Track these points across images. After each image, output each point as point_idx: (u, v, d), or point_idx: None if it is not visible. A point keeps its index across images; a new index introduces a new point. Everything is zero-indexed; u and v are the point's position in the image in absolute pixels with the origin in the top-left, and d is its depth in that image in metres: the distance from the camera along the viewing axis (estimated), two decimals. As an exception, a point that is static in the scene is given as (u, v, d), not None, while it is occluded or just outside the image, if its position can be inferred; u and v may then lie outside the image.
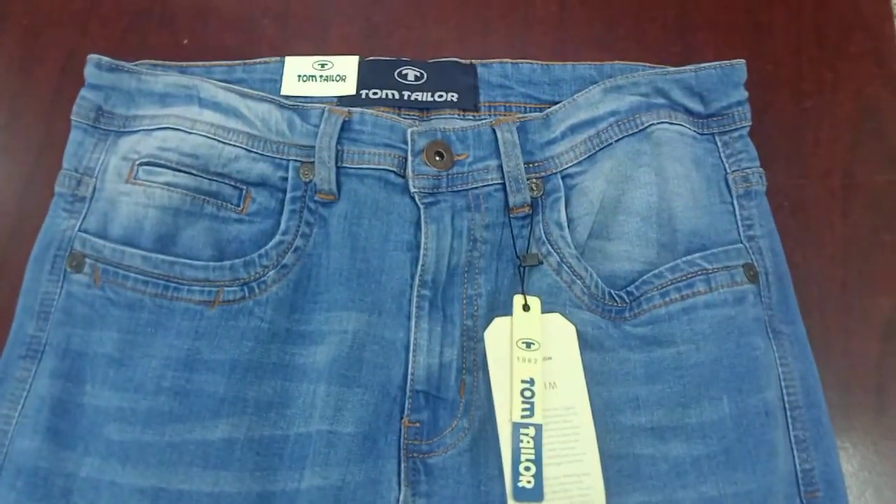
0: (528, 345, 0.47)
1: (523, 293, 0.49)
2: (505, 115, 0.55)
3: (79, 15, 0.60)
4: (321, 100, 0.55)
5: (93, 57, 0.53)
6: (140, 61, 0.54)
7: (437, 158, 0.51)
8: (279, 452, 0.46)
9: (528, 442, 0.45)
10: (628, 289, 0.49)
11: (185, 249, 0.49)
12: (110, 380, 0.47)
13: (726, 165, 0.53)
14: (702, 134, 0.54)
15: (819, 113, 0.58)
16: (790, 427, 0.48)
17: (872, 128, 0.57)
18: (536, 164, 0.52)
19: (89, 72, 0.53)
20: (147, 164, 0.51)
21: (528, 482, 0.44)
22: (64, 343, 0.48)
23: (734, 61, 0.53)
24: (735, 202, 0.52)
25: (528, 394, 0.46)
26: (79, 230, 0.50)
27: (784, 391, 0.48)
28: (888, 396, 0.51)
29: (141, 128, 0.52)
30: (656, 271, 0.49)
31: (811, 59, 0.59)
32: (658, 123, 0.53)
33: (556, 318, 0.48)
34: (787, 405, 0.48)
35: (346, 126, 0.51)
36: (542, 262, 0.50)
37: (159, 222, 0.49)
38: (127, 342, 0.47)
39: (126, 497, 0.45)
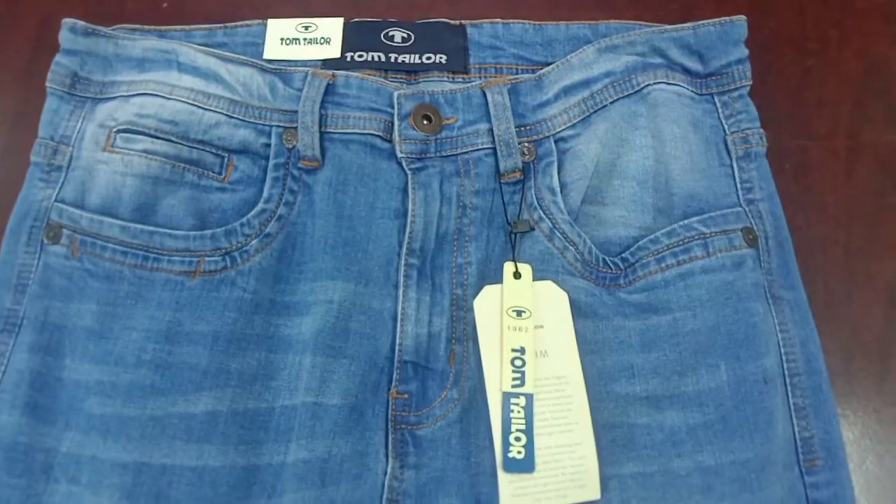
0: (519, 313, 0.46)
1: (514, 260, 0.47)
2: (495, 76, 0.53)
3: (54, -21, 0.58)
4: (305, 63, 0.53)
5: (67, 21, 0.51)
6: (117, 26, 0.53)
7: (425, 122, 0.49)
8: (264, 425, 0.45)
9: (519, 412, 0.44)
10: (623, 255, 0.48)
11: (166, 219, 0.48)
12: (90, 353, 0.45)
13: (725, 126, 0.51)
14: (700, 94, 0.52)
15: (823, 72, 0.56)
16: (789, 394, 0.46)
17: (878, 87, 0.55)
18: (528, 128, 0.50)
19: (64, 36, 0.51)
20: (125, 131, 0.49)
21: (519, 452, 0.43)
22: (42, 316, 0.47)
23: (734, 17, 0.51)
24: (734, 164, 0.50)
25: (518, 363, 0.45)
26: (55, 200, 0.49)
27: (784, 358, 0.47)
28: (891, 363, 0.50)
29: (118, 94, 0.50)
30: (652, 236, 0.48)
31: (816, 16, 0.57)
32: (655, 84, 0.51)
33: (548, 286, 0.47)
34: (786, 372, 0.47)
35: (330, 90, 0.50)
36: (533, 229, 0.48)
37: (138, 191, 0.48)
38: (106, 314, 0.46)
39: (107, 471, 0.43)
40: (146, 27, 0.53)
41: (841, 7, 0.57)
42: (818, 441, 0.46)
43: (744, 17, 0.51)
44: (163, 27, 0.53)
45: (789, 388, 0.46)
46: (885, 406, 0.49)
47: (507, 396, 0.44)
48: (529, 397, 0.44)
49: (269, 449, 0.45)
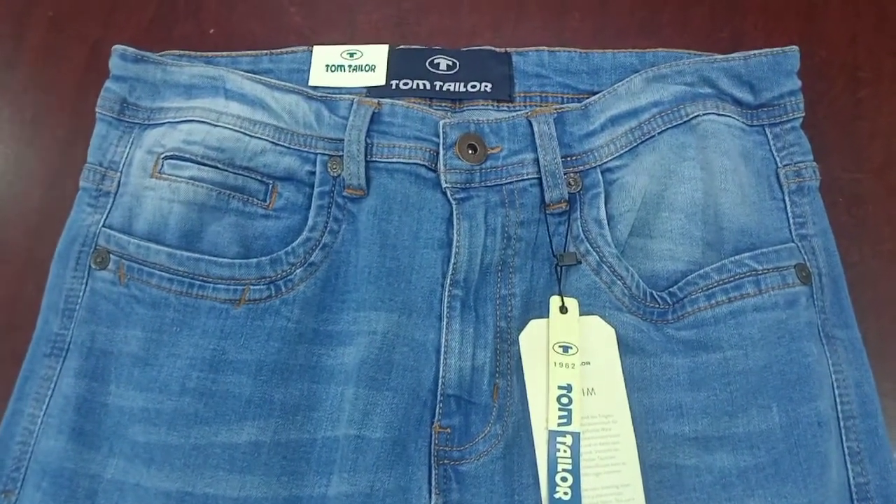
0: (566, 349, 0.45)
1: (560, 294, 0.47)
2: (541, 105, 0.52)
3: (103, 6, 0.59)
4: (350, 90, 0.53)
5: (118, 48, 0.52)
6: (165, 52, 0.53)
7: (470, 152, 0.49)
8: (306, 456, 0.45)
9: (566, 451, 0.43)
10: (671, 290, 0.47)
11: (211, 246, 0.48)
12: (135, 380, 0.46)
13: (777, 159, 0.50)
14: (751, 126, 0.51)
15: (876, 102, 0.54)
16: (844, 438, 0.45)
17: (934, 118, 0.53)
18: (574, 158, 0.49)
19: (114, 63, 0.52)
20: (172, 157, 0.49)
21: (566, 493, 0.42)
22: (88, 341, 0.47)
23: (786, 48, 0.50)
24: (786, 198, 0.49)
25: (565, 400, 0.44)
26: (103, 226, 0.49)
27: (838, 400, 0.45)
28: (951, 406, 0.48)
29: (166, 120, 0.51)
30: (701, 272, 0.47)
31: (868, 45, 0.55)
32: (704, 114, 0.50)
33: (594, 321, 0.46)
34: (840, 415, 0.45)
35: (375, 118, 0.50)
36: (580, 262, 0.47)
37: (184, 218, 0.48)
38: (152, 341, 0.46)
39: (151, 500, 0.44)
40: (193, 53, 0.53)
41: (895, 35, 0.55)
42: (874, 487, 0.44)
43: (796, 48, 0.50)
44: (210, 53, 0.53)
45: (843, 431, 0.45)
46: (943, 451, 0.47)
47: (553, 435, 0.43)
48: (576, 436, 0.43)
49: (310, 481, 0.45)
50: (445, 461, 0.45)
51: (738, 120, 0.50)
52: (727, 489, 0.43)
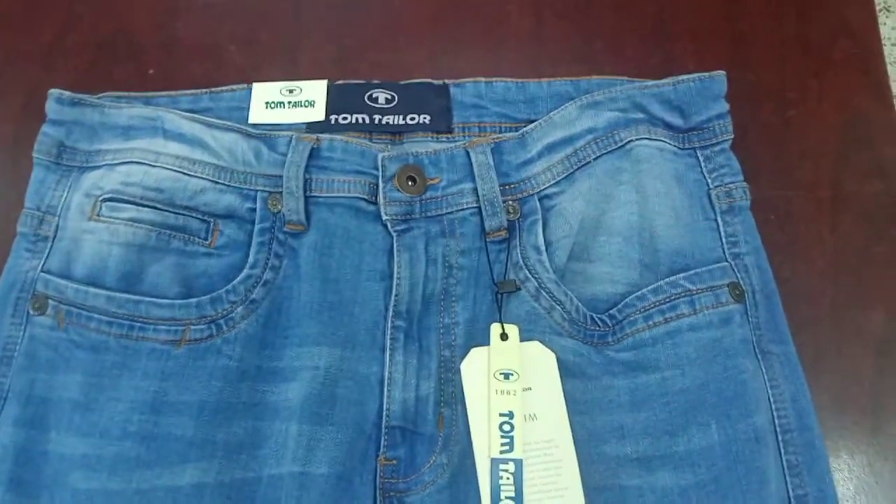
0: (507, 375, 0.45)
1: (500, 321, 0.47)
2: (479, 136, 0.53)
3: (42, 50, 0.59)
4: (290, 127, 0.53)
5: (53, 92, 0.52)
6: (104, 94, 0.53)
7: (410, 184, 0.50)
8: (251, 495, 0.45)
9: (508, 478, 0.43)
10: (611, 312, 0.47)
11: (152, 287, 0.48)
12: (75, 425, 0.45)
13: (709, 181, 0.51)
14: (682, 149, 0.52)
15: (804, 123, 0.56)
16: (782, 452, 0.46)
17: (859, 137, 0.55)
18: (512, 186, 0.50)
19: (50, 107, 0.52)
20: (110, 199, 0.49)
21: (509, 521, 0.42)
22: (27, 389, 0.46)
23: (714, 73, 0.52)
24: (719, 219, 0.50)
25: (507, 427, 0.44)
26: (41, 271, 0.49)
27: (775, 414, 0.46)
28: (884, 416, 0.49)
29: (104, 162, 0.51)
30: (639, 293, 0.48)
31: (795, 68, 0.58)
32: (637, 140, 0.51)
33: (535, 347, 0.46)
34: (778, 429, 0.46)
35: (314, 153, 0.50)
36: (519, 289, 0.48)
37: (124, 260, 0.48)
38: (92, 385, 0.46)
39: (92, 548, 0.43)
40: (133, 94, 0.54)
41: (820, 58, 0.57)
42: (812, 499, 0.45)
43: (723, 73, 0.52)
44: (149, 93, 0.54)
45: (782, 445, 0.46)
46: (879, 460, 0.48)
47: (495, 463, 0.43)
48: (519, 463, 0.43)
49: (256, 521, 0.44)
50: (391, 493, 0.45)
51: (670, 144, 0.52)
52: (669, 508, 0.44)
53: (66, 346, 0.47)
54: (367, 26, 0.60)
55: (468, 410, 0.45)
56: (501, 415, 0.44)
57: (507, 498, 0.43)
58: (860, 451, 0.49)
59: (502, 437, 0.44)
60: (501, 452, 0.44)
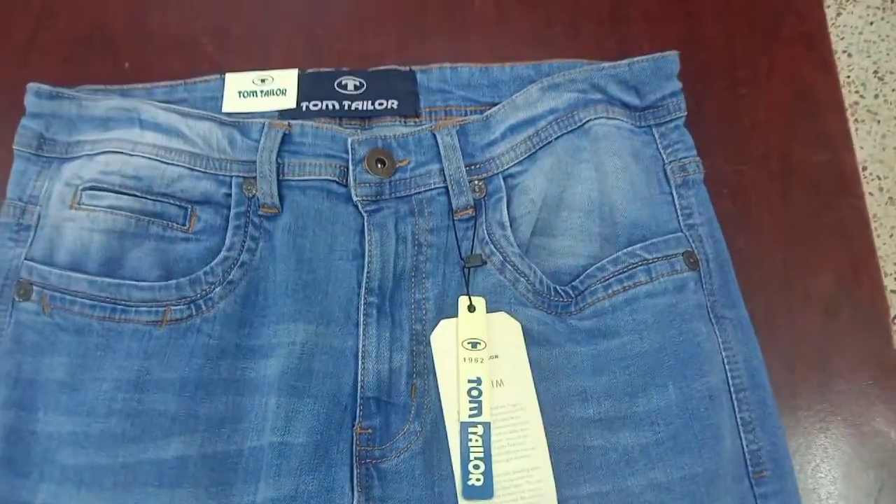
0: (474, 345, 0.48)
1: (468, 294, 0.50)
2: (445, 119, 0.55)
3: (19, 46, 0.60)
4: (262, 115, 0.55)
5: (32, 85, 0.53)
6: (81, 87, 0.55)
7: (379, 166, 0.52)
8: (233, 467, 0.47)
9: (477, 440, 0.45)
10: (573, 283, 0.50)
11: (133, 271, 0.50)
12: (62, 405, 0.47)
13: (664, 156, 0.54)
14: (639, 127, 0.54)
15: (754, 98, 0.59)
16: (736, 410, 0.48)
17: (807, 110, 0.58)
18: (478, 166, 0.52)
19: (29, 100, 0.53)
20: (90, 188, 0.51)
21: (478, 480, 0.45)
22: (15, 372, 0.48)
23: (666, 53, 0.54)
24: (674, 192, 0.53)
25: (475, 393, 0.47)
26: (25, 258, 0.50)
27: (728, 375, 0.49)
28: (832, 373, 0.52)
29: (83, 153, 0.52)
30: (599, 264, 0.50)
31: (744, 46, 0.60)
32: (595, 119, 0.53)
33: (501, 317, 0.49)
34: (732, 388, 0.49)
35: (286, 139, 0.52)
36: (485, 263, 0.50)
37: (105, 246, 0.50)
38: (77, 367, 0.48)
39: (82, 521, 0.45)
40: (109, 87, 0.55)
41: (767, 36, 0.60)
42: (765, 453, 0.48)
43: (675, 53, 0.54)
44: (126, 85, 0.55)
45: (736, 403, 0.49)
46: (827, 415, 0.51)
47: (464, 426, 0.46)
48: (487, 426, 0.46)
49: (238, 490, 0.46)
50: (367, 460, 0.47)
51: (626, 122, 0.54)
52: (631, 465, 0.46)
53: (51, 330, 0.48)
54: (336, 16, 0.62)
55: (438, 378, 0.48)
56: (470, 381, 0.47)
57: (476, 458, 0.45)
58: (809, 408, 0.52)
59: (471, 402, 0.46)
60: (470, 416, 0.46)
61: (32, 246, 0.51)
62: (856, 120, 1.21)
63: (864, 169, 1.19)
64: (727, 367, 0.49)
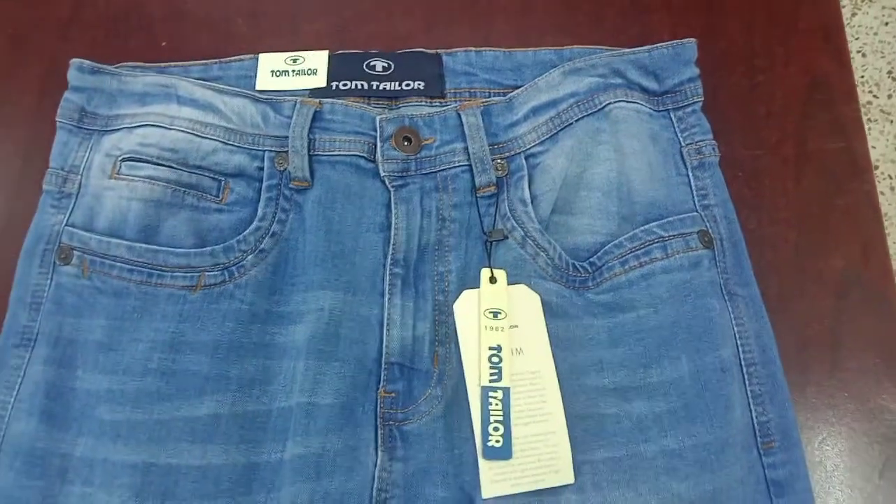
0: (496, 314, 0.50)
1: (490, 266, 0.51)
2: (469, 100, 0.57)
3: (60, 22, 0.63)
4: (294, 93, 0.57)
5: (75, 61, 0.55)
6: (120, 64, 0.57)
7: (406, 143, 0.54)
8: (262, 426, 0.49)
9: (497, 404, 0.47)
10: (591, 259, 0.52)
11: (168, 239, 0.52)
12: (100, 364, 0.49)
13: (681, 139, 0.55)
14: (657, 111, 0.56)
15: (771, 86, 0.60)
16: (747, 383, 0.50)
17: (821, 99, 0.60)
18: (500, 146, 0.54)
19: (72, 75, 0.55)
20: (129, 159, 0.53)
21: (497, 441, 0.47)
22: (55, 331, 0.50)
23: (685, 40, 0.56)
24: (690, 174, 0.54)
25: (495, 359, 0.48)
26: (66, 224, 0.53)
27: (740, 349, 0.51)
28: (841, 351, 0.54)
29: (123, 126, 0.55)
30: (616, 241, 0.52)
31: (763, 36, 0.62)
32: (615, 102, 0.55)
33: (521, 289, 0.51)
34: (743, 362, 0.50)
35: (317, 116, 0.54)
36: (507, 237, 0.52)
37: (142, 214, 0.52)
38: (115, 328, 0.50)
39: (118, 472, 0.47)
40: (147, 64, 0.57)
41: (785, 27, 0.62)
42: (774, 425, 0.50)
43: (693, 40, 0.56)
44: (162, 63, 0.58)
45: (746, 376, 0.50)
46: (835, 391, 0.53)
47: (485, 390, 0.48)
48: (506, 391, 0.48)
49: (267, 447, 0.48)
50: (390, 422, 0.49)
51: (645, 106, 0.56)
52: (644, 432, 0.48)
53: (90, 293, 0.51)
54: (365, 0, 0.64)
55: (461, 344, 0.49)
56: (491, 348, 0.49)
57: (495, 421, 0.47)
58: (818, 383, 0.53)
59: (491, 368, 0.48)
60: (491, 381, 0.48)
61: (73, 213, 0.53)
62: (869, 119, 1.22)
63: (877, 168, 1.20)
64: (739, 341, 0.51)
